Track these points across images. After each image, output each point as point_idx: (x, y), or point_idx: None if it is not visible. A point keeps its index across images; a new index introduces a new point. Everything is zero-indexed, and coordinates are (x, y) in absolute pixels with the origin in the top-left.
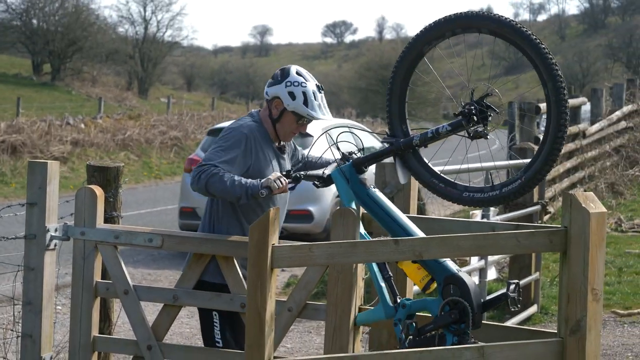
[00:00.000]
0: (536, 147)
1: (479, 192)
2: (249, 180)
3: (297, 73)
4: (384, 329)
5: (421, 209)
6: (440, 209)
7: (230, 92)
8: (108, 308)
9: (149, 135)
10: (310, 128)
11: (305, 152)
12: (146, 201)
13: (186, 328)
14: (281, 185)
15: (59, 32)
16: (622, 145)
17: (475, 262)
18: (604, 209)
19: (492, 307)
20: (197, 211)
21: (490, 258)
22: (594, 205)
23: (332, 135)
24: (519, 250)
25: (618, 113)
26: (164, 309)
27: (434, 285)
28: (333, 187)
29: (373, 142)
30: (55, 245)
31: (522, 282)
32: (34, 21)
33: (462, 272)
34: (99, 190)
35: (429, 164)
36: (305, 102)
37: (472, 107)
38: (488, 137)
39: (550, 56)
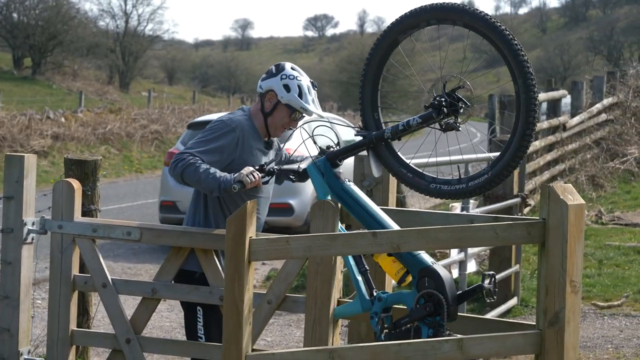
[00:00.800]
0: None
1: (446, 184)
2: (224, 174)
3: (292, 68)
4: (363, 322)
5: (401, 202)
6: (420, 201)
7: (212, 85)
8: (86, 302)
9: (129, 129)
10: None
11: (285, 146)
12: (127, 195)
13: (166, 322)
14: (254, 180)
15: (39, 26)
16: (602, 137)
17: (455, 254)
18: (582, 201)
19: (468, 299)
20: (178, 205)
21: (470, 250)
22: (572, 197)
23: (307, 130)
24: (497, 243)
25: (598, 106)
26: (142, 302)
27: (409, 278)
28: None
29: (353, 136)
30: (32, 239)
31: (502, 274)
32: (15, 15)
33: (437, 265)
34: (76, 184)
35: (400, 155)
36: (300, 95)
37: (442, 99)
38: (459, 129)
39: (522, 52)
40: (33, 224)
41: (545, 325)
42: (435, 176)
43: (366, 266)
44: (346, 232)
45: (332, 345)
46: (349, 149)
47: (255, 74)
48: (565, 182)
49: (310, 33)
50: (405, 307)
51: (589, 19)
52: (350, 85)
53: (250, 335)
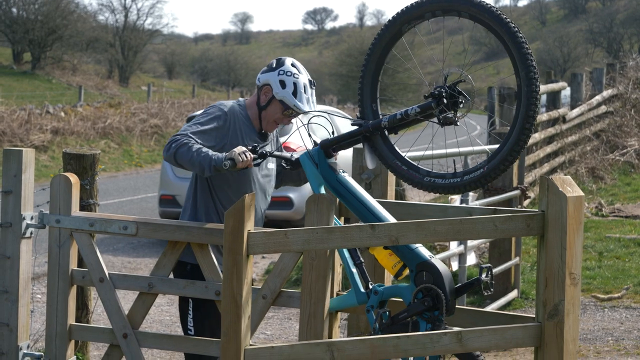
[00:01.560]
0: None
1: (441, 178)
2: (216, 153)
3: (292, 65)
4: (362, 315)
5: (401, 195)
6: (420, 194)
7: (211, 79)
8: (85, 296)
9: (129, 123)
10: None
11: (282, 139)
12: (127, 189)
13: (166, 315)
14: (245, 159)
15: (38, 21)
16: (602, 129)
17: (454, 247)
18: (581, 193)
19: (465, 292)
20: (177, 199)
21: (470, 243)
22: (571, 189)
23: (303, 121)
24: (496, 235)
25: (598, 97)
26: (139, 297)
27: (406, 271)
28: None
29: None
30: (31, 233)
31: (502, 267)
32: (14, 10)
33: (435, 259)
34: (74, 178)
35: (395, 147)
36: (295, 93)
37: (442, 90)
38: (458, 123)
39: (526, 46)
40: (32, 218)
41: (545, 318)
42: (430, 169)
43: (361, 259)
44: (344, 225)
45: (331, 338)
46: (344, 138)
47: (255, 68)
48: (565, 175)
49: (309, 26)
50: (402, 301)
51: (589, 11)
52: (349, 79)
53: (249, 328)
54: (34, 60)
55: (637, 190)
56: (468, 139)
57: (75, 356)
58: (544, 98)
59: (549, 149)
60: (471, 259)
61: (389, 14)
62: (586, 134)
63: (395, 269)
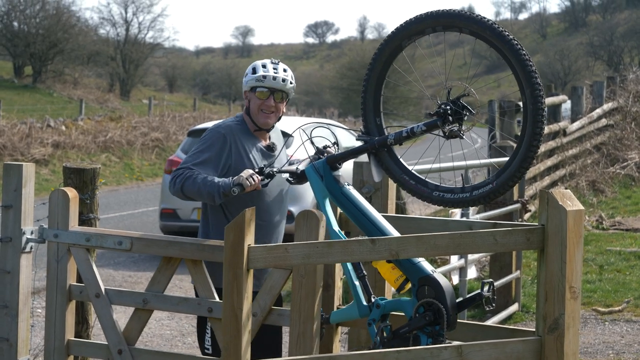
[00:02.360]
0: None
1: (449, 192)
2: (222, 179)
3: (259, 62)
4: (363, 329)
5: (402, 209)
6: (422, 208)
7: (213, 93)
8: (85, 311)
9: (130, 136)
10: (290, 128)
11: (288, 151)
12: (127, 203)
13: (167, 330)
14: (253, 182)
15: (40, 35)
16: (602, 142)
17: (455, 260)
18: (581, 207)
19: (467, 307)
20: (178, 212)
21: (471, 257)
22: (571, 202)
23: (306, 132)
24: (496, 249)
25: (598, 111)
26: (135, 312)
27: (409, 285)
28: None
29: (353, 142)
30: (31, 248)
31: (503, 280)
32: (15, 24)
33: (437, 273)
34: (72, 192)
35: (402, 161)
36: (254, 71)
37: (448, 107)
38: (463, 137)
39: (531, 63)
40: (32, 232)
41: (545, 332)
42: (439, 184)
43: (364, 272)
44: (344, 238)
45: (332, 352)
46: (351, 153)
47: None
48: (565, 188)
49: (310, 40)
50: (403, 315)
51: (589, 24)
52: (351, 92)
53: (249, 343)
54: (35, 74)
55: (638, 204)
56: (469, 152)
57: None
58: None
59: (549, 162)
60: (472, 273)
61: (390, 27)
62: (587, 147)
63: (397, 282)
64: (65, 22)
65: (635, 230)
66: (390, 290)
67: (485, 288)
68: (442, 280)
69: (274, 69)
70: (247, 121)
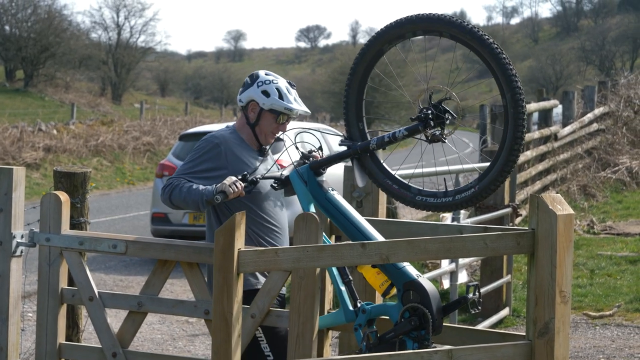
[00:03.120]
0: None
1: (432, 196)
2: (205, 187)
3: (266, 74)
4: (353, 333)
5: (393, 213)
6: (412, 212)
7: (204, 97)
8: (76, 315)
9: (121, 140)
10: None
11: (275, 157)
12: (119, 207)
13: (157, 334)
14: (236, 190)
15: (31, 39)
16: (594, 147)
17: (446, 265)
18: (571, 211)
19: (452, 311)
20: (169, 217)
21: (461, 261)
22: (561, 207)
23: (290, 137)
24: (486, 253)
25: (590, 115)
26: (129, 315)
27: (394, 290)
28: None
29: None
30: (21, 251)
31: (493, 284)
32: (7, 27)
33: (422, 278)
34: (64, 196)
35: (385, 166)
36: (281, 97)
37: (429, 112)
38: (445, 141)
39: (511, 67)
40: (22, 236)
41: (535, 336)
42: (422, 188)
43: (350, 277)
44: (334, 243)
45: (322, 356)
46: (333, 159)
47: None
48: (557, 192)
49: (302, 44)
50: (389, 319)
51: (581, 29)
52: (342, 96)
53: (239, 347)
54: (27, 78)
55: (629, 208)
56: (460, 157)
57: None
58: (535, 116)
59: (540, 166)
60: (463, 277)
61: None
62: (578, 151)
63: (382, 287)
64: (57, 26)
65: (626, 234)
66: (379, 296)
67: (470, 292)
68: (427, 285)
69: (295, 99)
70: (245, 134)
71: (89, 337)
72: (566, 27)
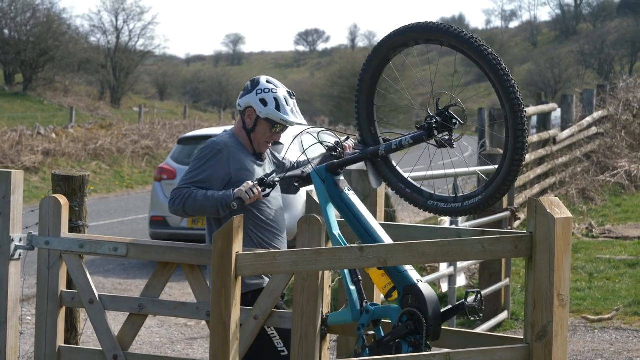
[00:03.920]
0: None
1: (443, 201)
2: (222, 193)
3: (267, 81)
4: (351, 337)
5: (391, 216)
6: (411, 216)
7: (203, 101)
8: (74, 318)
9: (120, 144)
10: (285, 136)
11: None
12: (117, 211)
13: (156, 337)
14: (253, 195)
15: (30, 42)
16: (592, 151)
17: (444, 268)
18: (569, 214)
19: (450, 317)
20: (168, 220)
21: (460, 264)
22: (560, 210)
23: (310, 136)
24: (484, 257)
25: (588, 119)
26: (129, 318)
27: (396, 293)
28: (302, 196)
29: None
30: (20, 255)
31: (492, 288)
32: (6, 31)
33: (422, 283)
34: (63, 199)
35: (398, 169)
36: (278, 108)
37: (433, 121)
38: (454, 146)
39: (509, 78)
40: (20, 240)
41: (533, 339)
42: (433, 192)
43: (359, 276)
44: (344, 243)
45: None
46: (349, 161)
47: None
48: (555, 196)
49: (301, 48)
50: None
51: (580, 33)
52: (341, 100)
53: (238, 351)
54: (26, 82)
55: (628, 212)
56: (460, 161)
57: None
58: (534, 119)
59: (539, 170)
60: (461, 281)
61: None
62: (577, 155)
63: (385, 289)
64: (56, 29)
65: (625, 238)
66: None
67: (471, 298)
68: (426, 290)
69: (293, 110)
70: (242, 138)
71: (87, 340)
72: (565, 30)
